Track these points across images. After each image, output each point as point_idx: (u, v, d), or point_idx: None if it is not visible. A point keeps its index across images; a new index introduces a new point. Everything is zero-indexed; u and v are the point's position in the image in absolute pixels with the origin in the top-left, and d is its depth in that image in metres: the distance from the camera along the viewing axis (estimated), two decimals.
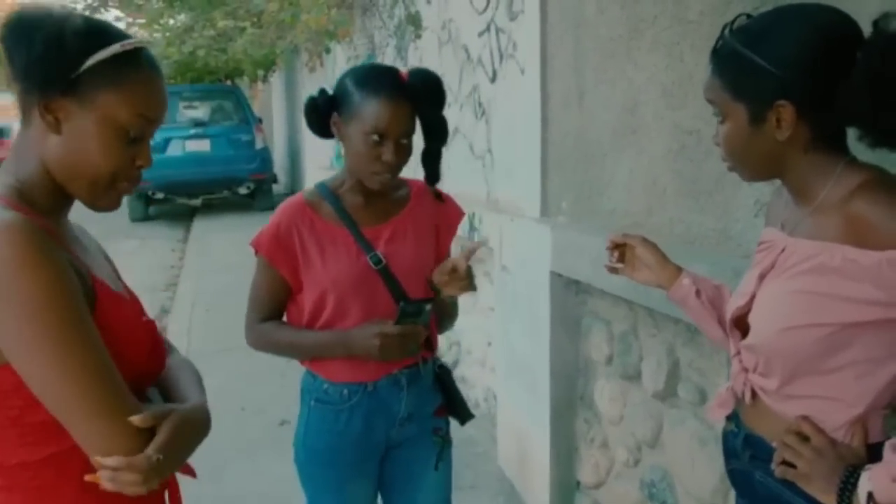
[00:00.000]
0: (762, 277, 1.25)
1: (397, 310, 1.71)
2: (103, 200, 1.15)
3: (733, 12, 1.31)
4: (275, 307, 1.83)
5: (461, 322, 4.31)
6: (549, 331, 2.82)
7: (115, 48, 1.08)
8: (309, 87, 10.13)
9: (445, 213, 1.93)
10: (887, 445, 1.08)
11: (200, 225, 11.17)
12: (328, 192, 1.81)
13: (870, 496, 1.06)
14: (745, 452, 1.33)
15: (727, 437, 1.40)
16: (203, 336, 5.70)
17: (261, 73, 12.71)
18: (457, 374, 4.40)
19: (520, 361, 3.13)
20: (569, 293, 2.80)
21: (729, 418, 1.40)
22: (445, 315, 1.95)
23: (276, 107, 16.93)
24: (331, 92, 1.77)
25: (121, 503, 1.09)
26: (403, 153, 1.71)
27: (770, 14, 1.20)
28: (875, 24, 1.11)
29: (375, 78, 1.72)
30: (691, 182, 2.06)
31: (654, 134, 2.22)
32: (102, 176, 1.11)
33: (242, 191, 11.84)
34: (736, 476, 1.39)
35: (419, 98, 1.71)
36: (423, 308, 1.74)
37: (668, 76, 2.13)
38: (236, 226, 10.88)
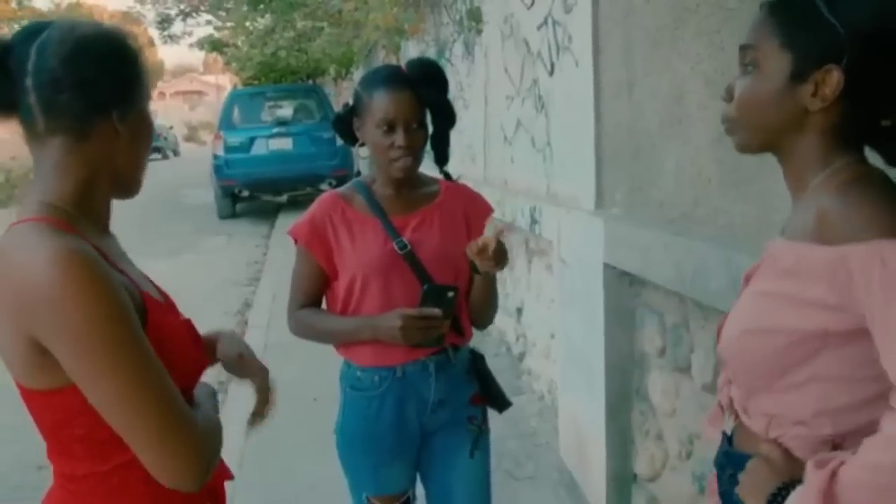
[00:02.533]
0: (747, 279, 1.20)
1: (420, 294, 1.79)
2: (136, 192, 1.24)
3: None
4: (313, 294, 1.94)
5: (527, 314, 4.36)
6: (603, 323, 2.82)
7: (138, 46, 1.17)
8: None
9: (475, 209, 1.98)
10: (809, 463, 1.00)
11: (284, 221, 11.49)
12: (362, 185, 1.93)
13: None
14: (724, 472, 1.25)
15: (716, 457, 1.32)
16: (282, 329, 5.87)
17: (343, 70, 13.00)
18: (522, 366, 4.43)
19: (578, 353, 3.13)
20: (622, 285, 2.80)
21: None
22: (485, 300, 1.96)
23: None
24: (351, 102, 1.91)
25: (183, 502, 1.15)
26: (415, 137, 1.81)
27: None
28: None
29: (377, 75, 1.88)
30: (733, 171, 2.03)
31: (699, 124, 2.20)
32: (143, 168, 1.22)
33: (324, 187, 12.07)
34: (721, 497, 1.28)
35: (419, 84, 1.81)
36: (446, 294, 1.80)
37: (711, 65, 2.10)
38: None
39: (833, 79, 1.03)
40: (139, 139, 1.18)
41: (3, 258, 1.04)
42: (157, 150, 31.20)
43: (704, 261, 2.05)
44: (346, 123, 1.90)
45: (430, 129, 1.91)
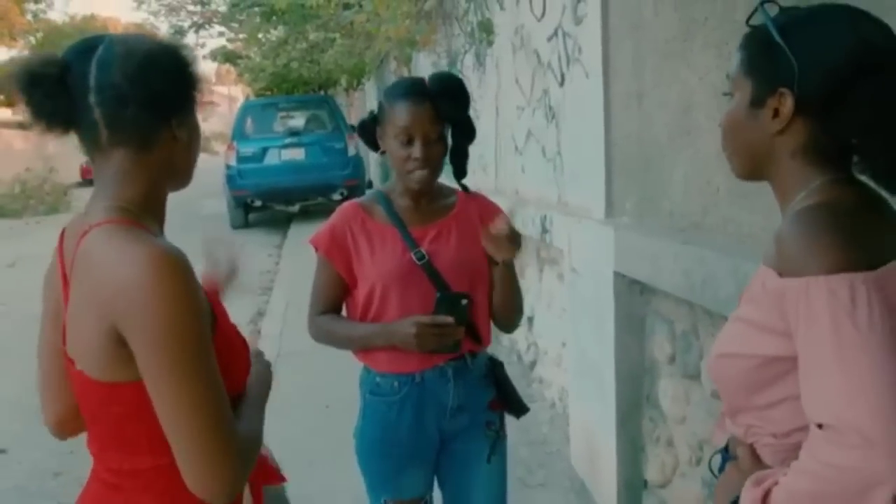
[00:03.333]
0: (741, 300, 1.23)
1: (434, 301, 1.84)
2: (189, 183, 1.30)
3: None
4: (332, 301, 1.98)
5: (538, 323, 4.39)
6: (613, 331, 2.85)
7: (195, 57, 1.22)
8: None
9: (487, 213, 2.01)
10: (751, 477, 1.04)
11: (296, 231, 11.57)
12: (382, 196, 1.97)
13: None
14: (721, 474, 1.30)
15: (720, 461, 1.35)
16: (295, 337, 5.91)
17: (354, 81, 13.09)
18: (534, 374, 4.46)
19: (589, 361, 3.16)
20: (633, 293, 2.83)
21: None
22: (508, 298, 1.97)
23: None
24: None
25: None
26: (432, 150, 1.85)
27: (817, 8, 1.12)
28: None
29: (399, 87, 1.91)
30: (742, 183, 2.05)
31: (707, 134, 2.23)
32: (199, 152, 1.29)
33: (336, 197, 12.17)
34: None
35: (439, 98, 1.84)
36: (459, 301, 1.84)
37: (719, 76, 2.13)
38: None
39: (786, 101, 1.08)
40: (194, 141, 1.25)
41: (90, 257, 1.09)
42: None
43: (713, 269, 2.08)
44: (370, 131, 1.95)
45: (450, 142, 1.94)
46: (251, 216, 12.47)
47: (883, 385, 0.91)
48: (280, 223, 12.54)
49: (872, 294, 0.95)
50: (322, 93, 14.26)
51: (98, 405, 1.16)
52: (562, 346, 3.97)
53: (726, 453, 1.29)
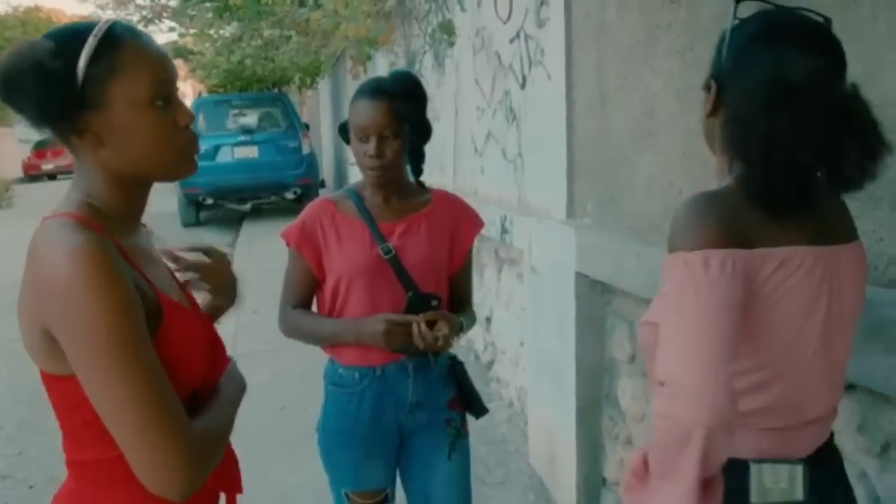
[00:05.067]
0: None
1: (405, 300, 1.86)
2: (183, 170, 1.19)
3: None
4: (303, 296, 2.00)
5: (496, 323, 4.41)
6: (574, 330, 2.89)
7: (92, 42, 1.08)
8: (352, 93, 10.31)
9: (464, 223, 2.05)
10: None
11: (249, 230, 11.44)
12: (352, 192, 2.00)
13: None
14: None
15: None
16: (249, 337, 5.87)
17: (308, 79, 12.98)
18: (492, 373, 4.48)
19: (548, 361, 3.20)
20: (594, 293, 2.87)
21: None
22: (466, 330, 2.04)
23: (323, 112, 17.21)
24: None
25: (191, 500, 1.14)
26: (387, 147, 1.87)
27: (775, 20, 1.19)
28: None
29: (363, 85, 1.95)
30: (704, 183, 2.10)
31: (670, 137, 2.28)
32: (165, 154, 1.15)
33: (289, 196, 12.08)
34: None
35: (395, 97, 1.87)
36: (430, 302, 1.87)
37: (682, 81, 2.18)
38: (282, 230, 11.12)
39: (712, 90, 1.21)
40: (134, 130, 1.13)
41: (32, 251, 1.07)
42: None
43: None
44: (345, 129, 1.98)
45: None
46: (202, 214, 12.28)
47: (703, 341, 1.03)
48: (232, 222, 12.38)
49: (727, 266, 1.05)
50: (276, 90, 14.11)
51: (52, 396, 1.16)
52: (520, 345, 4.00)
53: None
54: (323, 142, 16.64)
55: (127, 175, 1.15)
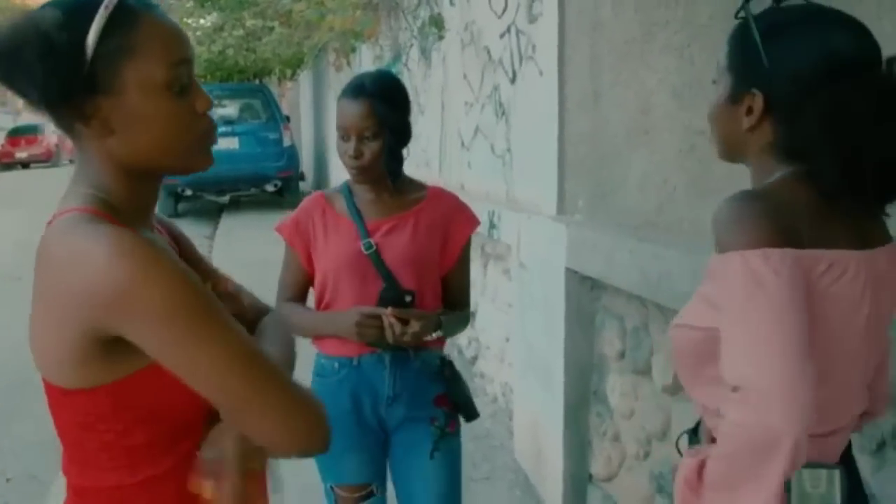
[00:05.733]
0: None
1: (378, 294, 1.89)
2: (198, 162, 1.07)
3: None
4: (296, 289, 2.04)
5: (481, 318, 4.41)
6: (563, 326, 2.89)
7: (103, 14, 0.95)
8: (335, 86, 10.24)
9: (457, 221, 2.04)
10: (688, 450, 1.15)
11: (228, 222, 11.34)
12: (346, 188, 2.02)
13: None
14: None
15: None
16: None
17: (289, 71, 12.88)
18: (475, 369, 4.48)
19: (536, 357, 3.19)
20: (583, 289, 2.87)
21: None
22: (447, 330, 2.03)
23: (303, 105, 17.10)
24: None
25: None
26: (366, 147, 1.89)
27: (798, 9, 1.17)
28: (888, 62, 1.09)
29: (348, 83, 1.97)
30: (701, 181, 2.11)
31: (666, 134, 2.28)
32: (181, 143, 1.03)
33: (269, 188, 11.99)
34: None
35: (375, 97, 1.89)
36: (403, 297, 1.89)
37: (679, 78, 2.19)
38: (263, 223, 11.02)
39: (757, 102, 1.14)
40: (145, 118, 1.01)
41: (48, 253, 0.96)
42: None
43: (670, 266, 2.13)
44: None
45: None
46: (180, 206, 12.14)
47: (780, 345, 0.99)
48: (211, 214, 12.26)
49: (787, 266, 1.02)
50: (257, 82, 14.00)
51: (60, 415, 1.03)
52: (505, 341, 4.00)
53: (693, 435, 1.33)
54: (303, 134, 16.53)
55: (137, 167, 1.03)
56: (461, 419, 2.08)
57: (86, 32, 0.94)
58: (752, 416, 0.98)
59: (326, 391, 1.96)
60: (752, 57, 1.14)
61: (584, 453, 2.96)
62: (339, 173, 10.71)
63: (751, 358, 1.00)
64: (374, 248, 1.92)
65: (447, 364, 2.06)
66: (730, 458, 1.03)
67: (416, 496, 2.03)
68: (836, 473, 1.09)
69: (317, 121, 14.17)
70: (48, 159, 24.18)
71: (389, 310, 1.83)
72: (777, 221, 1.05)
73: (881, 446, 1.56)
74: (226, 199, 12.55)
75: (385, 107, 1.89)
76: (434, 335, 1.93)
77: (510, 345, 3.84)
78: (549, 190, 3.09)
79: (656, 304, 2.38)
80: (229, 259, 8.53)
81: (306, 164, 15.37)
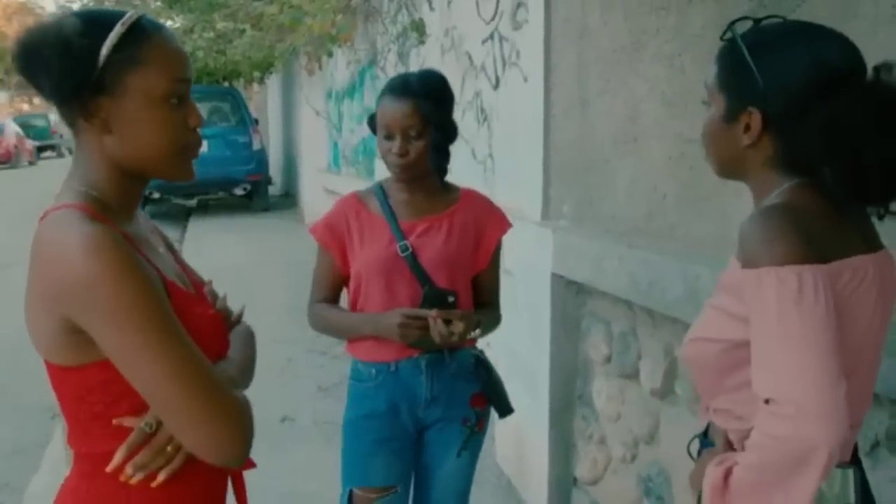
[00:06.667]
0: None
1: (421, 296, 1.90)
2: (180, 171, 1.19)
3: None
4: (329, 289, 2.06)
5: None
6: (549, 331, 2.91)
7: (119, 29, 1.09)
8: (307, 89, 10.19)
9: (490, 223, 2.07)
10: (714, 458, 1.15)
11: (196, 226, 11.21)
12: (379, 188, 2.04)
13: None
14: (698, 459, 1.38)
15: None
16: None
17: (257, 74, 12.77)
18: None
19: (520, 362, 3.21)
20: (569, 294, 2.89)
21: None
22: (485, 329, 2.11)
23: (271, 109, 16.98)
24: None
25: (202, 488, 1.20)
26: (411, 146, 1.90)
27: (782, 26, 1.22)
28: (875, 70, 1.13)
29: (389, 83, 1.98)
30: (691, 188, 2.15)
31: (655, 142, 2.31)
32: (169, 151, 1.15)
33: (239, 192, 11.91)
34: None
35: (422, 96, 1.90)
36: (446, 298, 1.89)
37: (670, 87, 2.22)
38: (232, 227, 10.95)
39: (755, 120, 1.17)
40: (140, 122, 1.13)
41: (38, 245, 1.07)
42: (52, 147, 29.90)
43: (661, 272, 2.16)
44: (373, 121, 2.01)
45: None
46: (148, 208, 11.94)
47: (817, 361, 1.02)
48: (178, 217, 12.12)
49: (819, 284, 1.06)
50: (227, 84, 13.90)
51: (59, 389, 1.16)
52: (486, 345, 4.00)
53: (705, 437, 1.36)
54: (271, 138, 16.42)
55: (128, 166, 1.15)
56: (492, 416, 2.14)
57: (102, 42, 1.08)
58: (788, 429, 1.01)
59: (364, 394, 2.02)
60: (746, 75, 1.17)
61: (569, 457, 2.99)
62: (310, 177, 10.66)
63: (788, 373, 1.03)
64: (411, 250, 1.94)
65: (482, 361, 2.11)
66: (762, 468, 1.05)
67: (436, 491, 2.10)
68: (850, 473, 1.12)
69: (286, 125, 14.09)
70: (7, 160, 23.85)
71: (434, 311, 1.84)
72: (804, 235, 1.08)
73: (875, 447, 1.60)
74: (193, 202, 12.42)
75: (430, 105, 1.90)
76: (473, 334, 1.97)
77: (492, 350, 3.84)
78: (533, 196, 3.11)
79: (645, 309, 2.41)
80: (199, 264, 8.37)
81: (274, 167, 15.26)
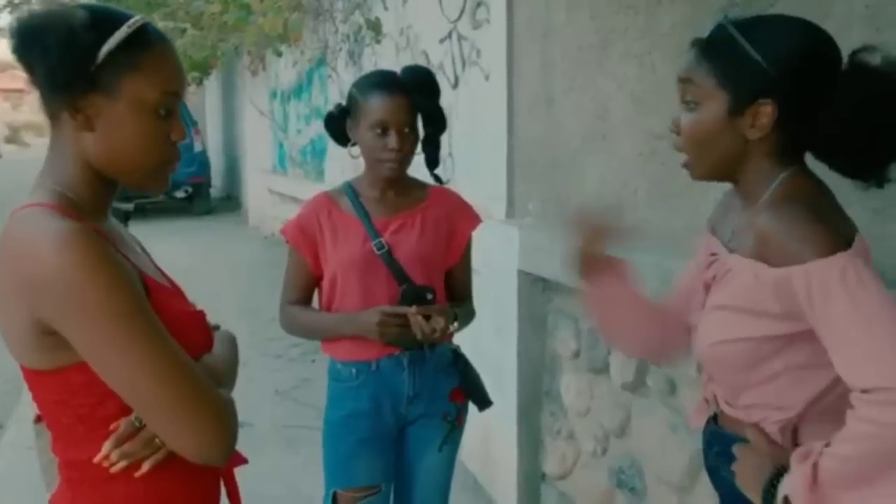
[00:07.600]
0: (707, 288, 1.31)
1: (399, 293, 1.88)
2: (155, 183, 1.17)
3: (705, 25, 1.30)
4: (302, 291, 2.02)
5: None
6: (516, 328, 2.93)
7: (124, 31, 1.08)
8: (251, 90, 10.04)
9: (460, 218, 2.09)
10: (794, 454, 1.12)
11: (135, 230, 10.74)
12: (349, 187, 2.02)
13: (786, 500, 1.12)
14: (711, 449, 1.40)
15: (703, 434, 1.46)
16: None
17: (196, 76, 12.52)
18: None
19: (487, 359, 3.20)
20: (535, 291, 2.91)
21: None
22: (461, 322, 2.08)
23: (210, 110, 16.66)
24: (343, 104, 2.00)
25: (192, 490, 1.17)
26: (407, 142, 1.90)
27: (765, 16, 1.22)
28: (853, 55, 1.15)
29: (373, 79, 1.97)
30: (662, 184, 2.19)
31: (625, 138, 2.35)
32: (148, 160, 1.13)
33: (180, 194, 11.66)
34: (708, 472, 1.45)
35: (413, 90, 1.91)
36: (425, 295, 1.89)
37: (640, 85, 2.26)
38: (173, 230, 10.70)
39: (767, 111, 1.16)
40: (115, 133, 1.12)
41: (8, 244, 1.05)
42: None
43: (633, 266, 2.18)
44: (339, 124, 1.98)
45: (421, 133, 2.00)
46: None
47: None
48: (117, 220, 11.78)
49: (868, 265, 1.08)
50: None
51: (38, 394, 1.13)
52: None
53: (715, 424, 1.39)
54: (210, 140, 16.11)
55: (103, 167, 1.13)
56: (469, 411, 2.13)
57: (105, 39, 1.07)
58: (893, 416, 1.00)
59: (345, 394, 2.00)
60: (752, 68, 1.16)
61: (538, 452, 3.01)
62: (254, 180, 10.49)
63: (883, 359, 1.02)
64: (386, 248, 1.93)
65: (460, 356, 2.11)
66: (866, 458, 1.04)
67: (419, 487, 2.10)
68: None
69: (226, 126, 13.84)
70: None
71: (414, 308, 1.83)
72: (834, 223, 1.11)
73: None
74: (131, 206, 12.08)
75: (423, 98, 1.91)
76: (451, 329, 1.96)
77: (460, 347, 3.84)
78: (497, 194, 3.12)
79: None
80: None
81: (215, 170, 14.97)
